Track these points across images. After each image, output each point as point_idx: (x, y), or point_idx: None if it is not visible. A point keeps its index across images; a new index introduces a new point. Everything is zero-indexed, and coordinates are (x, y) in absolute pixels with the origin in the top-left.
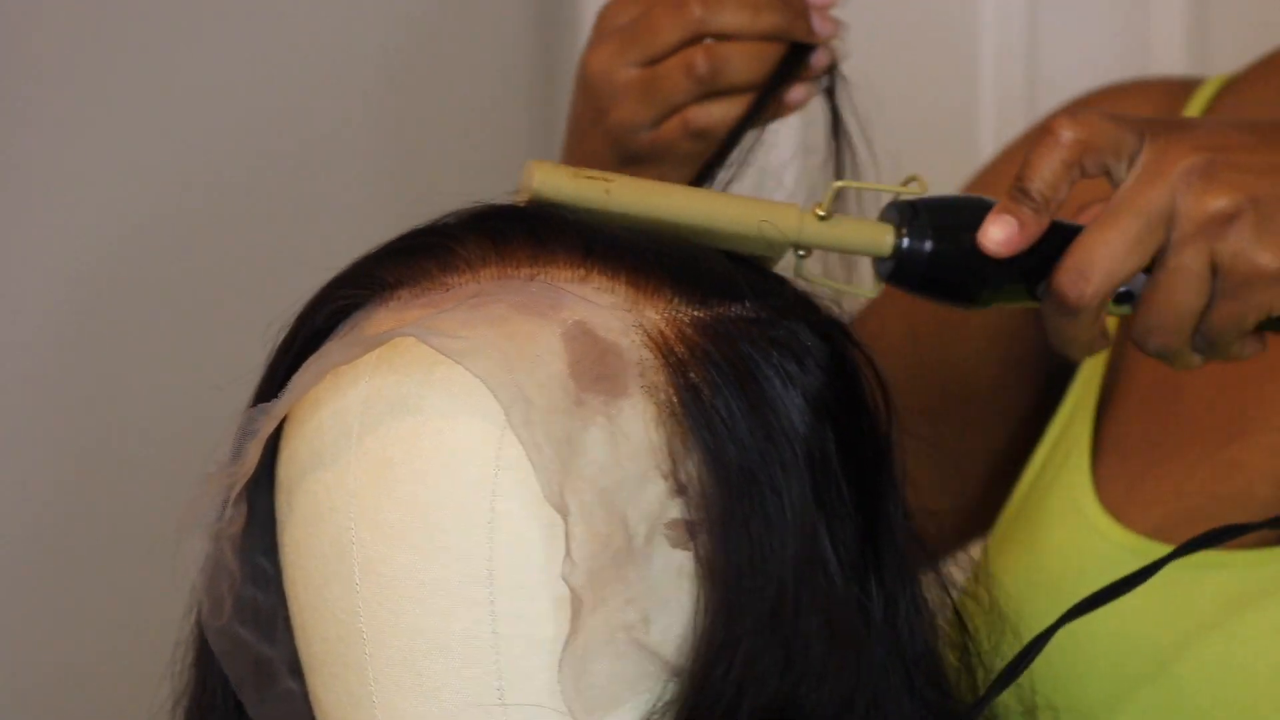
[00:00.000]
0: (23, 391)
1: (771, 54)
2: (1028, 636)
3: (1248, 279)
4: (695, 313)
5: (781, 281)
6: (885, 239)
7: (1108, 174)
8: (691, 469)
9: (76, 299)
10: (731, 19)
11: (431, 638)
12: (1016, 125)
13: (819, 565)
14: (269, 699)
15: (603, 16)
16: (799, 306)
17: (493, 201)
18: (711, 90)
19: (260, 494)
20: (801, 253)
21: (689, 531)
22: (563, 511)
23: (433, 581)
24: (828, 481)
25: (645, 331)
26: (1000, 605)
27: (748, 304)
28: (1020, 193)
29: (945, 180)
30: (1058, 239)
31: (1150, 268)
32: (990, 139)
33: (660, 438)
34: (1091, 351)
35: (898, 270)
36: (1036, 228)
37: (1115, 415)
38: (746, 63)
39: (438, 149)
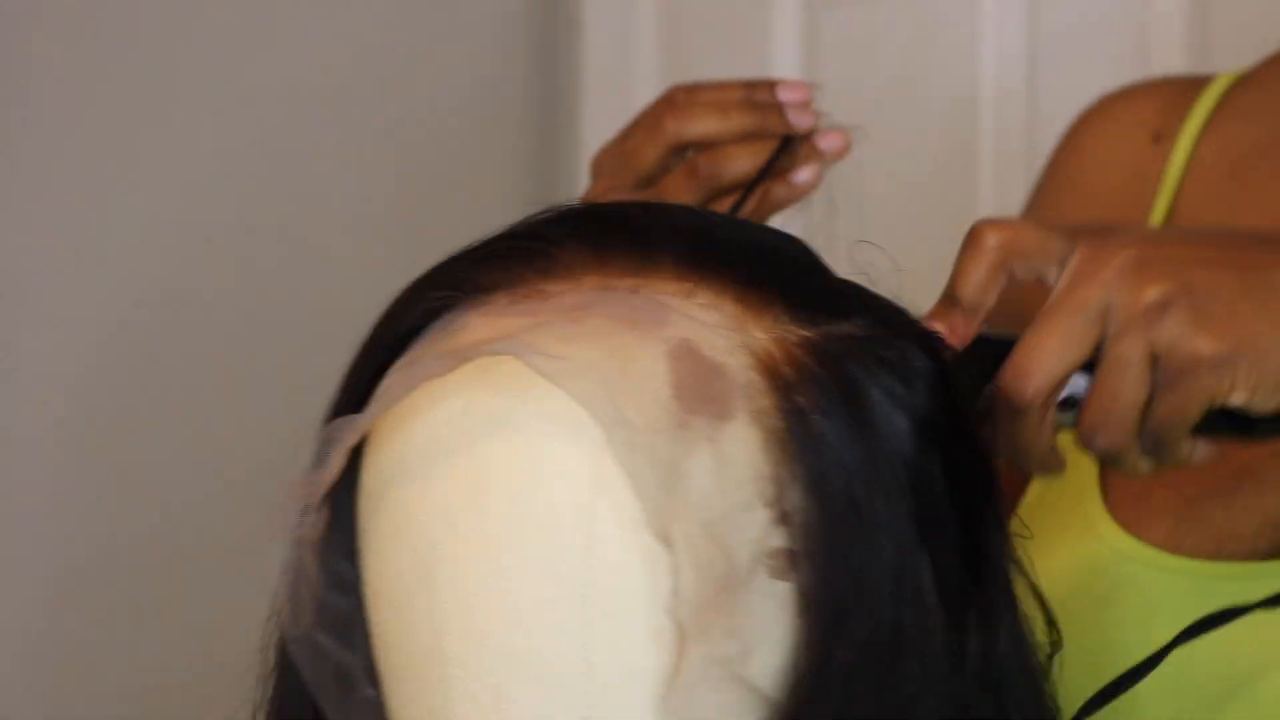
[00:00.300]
0: (79, 404)
1: (763, 149)
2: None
3: (1185, 366)
4: (804, 332)
5: (889, 299)
6: None
7: (1041, 279)
8: (795, 497)
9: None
10: (703, 127)
11: (520, 662)
12: (1016, 125)
13: (919, 599)
14: (348, 706)
15: (593, 164)
16: (908, 324)
17: (569, 204)
18: (717, 190)
19: (342, 497)
20: None
21: (791, 562)
22: (667, 541)
23: (524, 604)
24: (933, 508)
25: (752, 353)
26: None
27: (857, 322)
28: (949, 299)
29: (946, 180)
30: (1001, 351)
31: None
32: (990, 139)
33: (766, 464)
34: (1047, 469)
35: None
36: (967, 331)
37: None
38: (743, 160)
39: (438, 149)
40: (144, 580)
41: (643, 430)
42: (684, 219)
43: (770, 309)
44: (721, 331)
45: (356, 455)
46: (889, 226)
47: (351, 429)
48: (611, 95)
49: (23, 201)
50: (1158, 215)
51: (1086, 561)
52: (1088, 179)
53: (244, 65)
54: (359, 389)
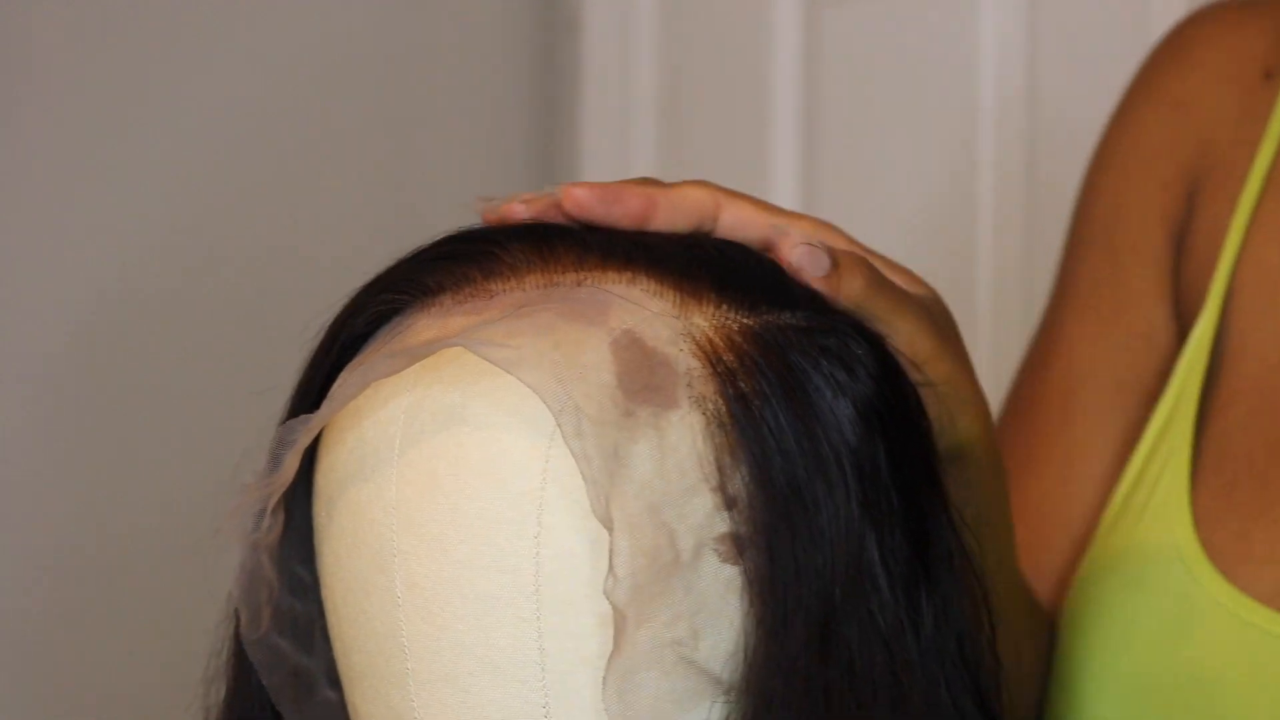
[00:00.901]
0: (44, 401)
1: None
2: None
3: None
4: (745, 320)
5: None
6: None
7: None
8: (740, 482)
9: (88, 304)
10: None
11: (476, 653)
12: (1016, 126)
13: (868, 578)
14: (308, 709)
15: None
16: (848, 314)
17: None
18: None
19: (297, 502)
20: None
21: (737, 545)
22: (608, 525)
23: (478, 596)
24: (878, 492)
25: (694, 340)
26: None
27: (798, 312)
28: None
29: (945, 180)
30: None
31: None
32: (989, 140)
33: (708, 450)
34: None
35: None
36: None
37: (1217, 426)
38: None
39: (438, 149)
40: (115, 578)
41: (591, 418)
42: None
43: (710, 297)
44: (664, 320)
45: (310, 459)
46: (888, 226)
47: (304, 430)
48: (611, 95)
49: (3, 195)
50: (1263, 160)
51: (1180, 607)
52: (1196, 104)
53: (241, 64)
54: (312, 393)
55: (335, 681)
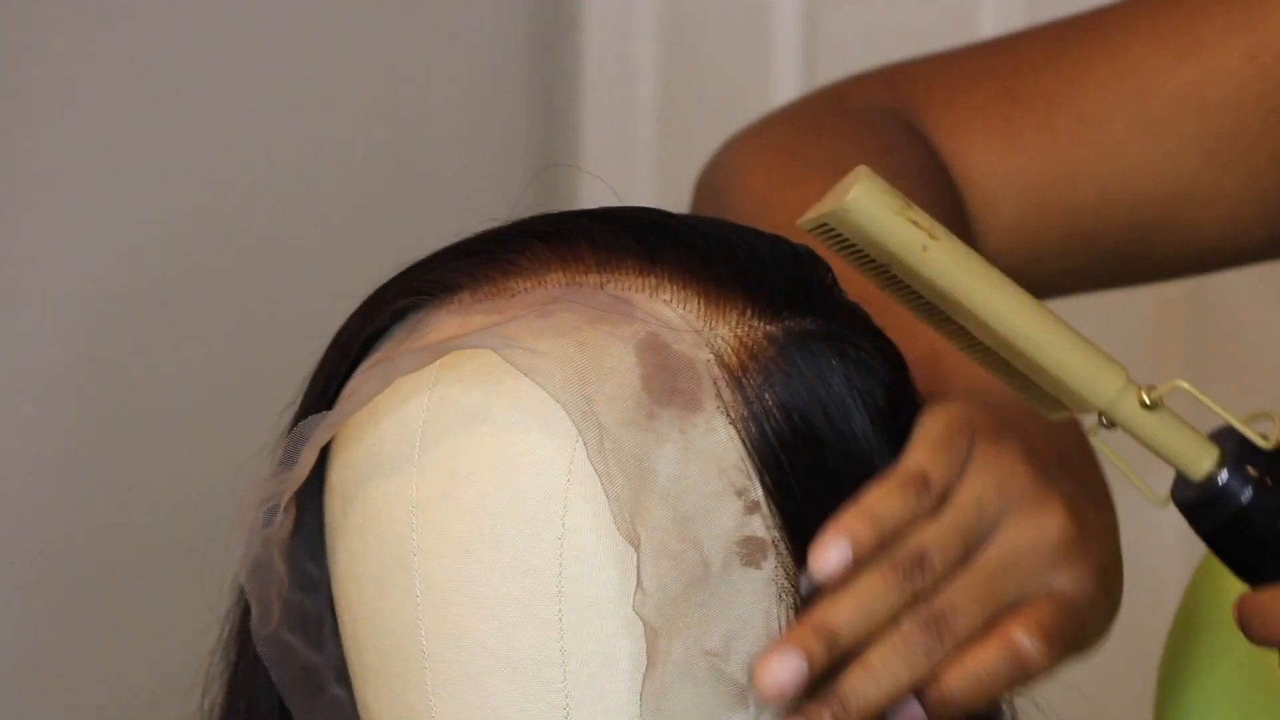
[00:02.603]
0: (47, 402)
1: None
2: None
3: None
4: (768, 326)
5: (845, 296)
6: (1202, 463)
7: None
8: (764, 487)
9: (90, 304)
10: None
11: (497, 654)
12: None
13: None
14: (317, 707)
15: None
16: (865, 320)
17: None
18: None
19: (307, 497)
20: (1105, 421)
21: (763, 551)
22: (634, 542)
23: (499, 596)
24: None
25: (718, 348)
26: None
27: (818, 317)
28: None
29: None
30: None
31: None
32: None
33: (733, 456)
34: None
35: (1197, 502)
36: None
37: None
38: None
39: (438, 149)
40: (117, 579)
41: (612, 426)
42: (647, 216)
43: (734, 303)
44: (687, 326)
45: (322, 455)
46: None
47: (323, 427)
48: (611, 95)
49: (5, 195)
50: None
51: None
52: None
53: (241, 65)
54: (327, 390)
55: (344, 679)
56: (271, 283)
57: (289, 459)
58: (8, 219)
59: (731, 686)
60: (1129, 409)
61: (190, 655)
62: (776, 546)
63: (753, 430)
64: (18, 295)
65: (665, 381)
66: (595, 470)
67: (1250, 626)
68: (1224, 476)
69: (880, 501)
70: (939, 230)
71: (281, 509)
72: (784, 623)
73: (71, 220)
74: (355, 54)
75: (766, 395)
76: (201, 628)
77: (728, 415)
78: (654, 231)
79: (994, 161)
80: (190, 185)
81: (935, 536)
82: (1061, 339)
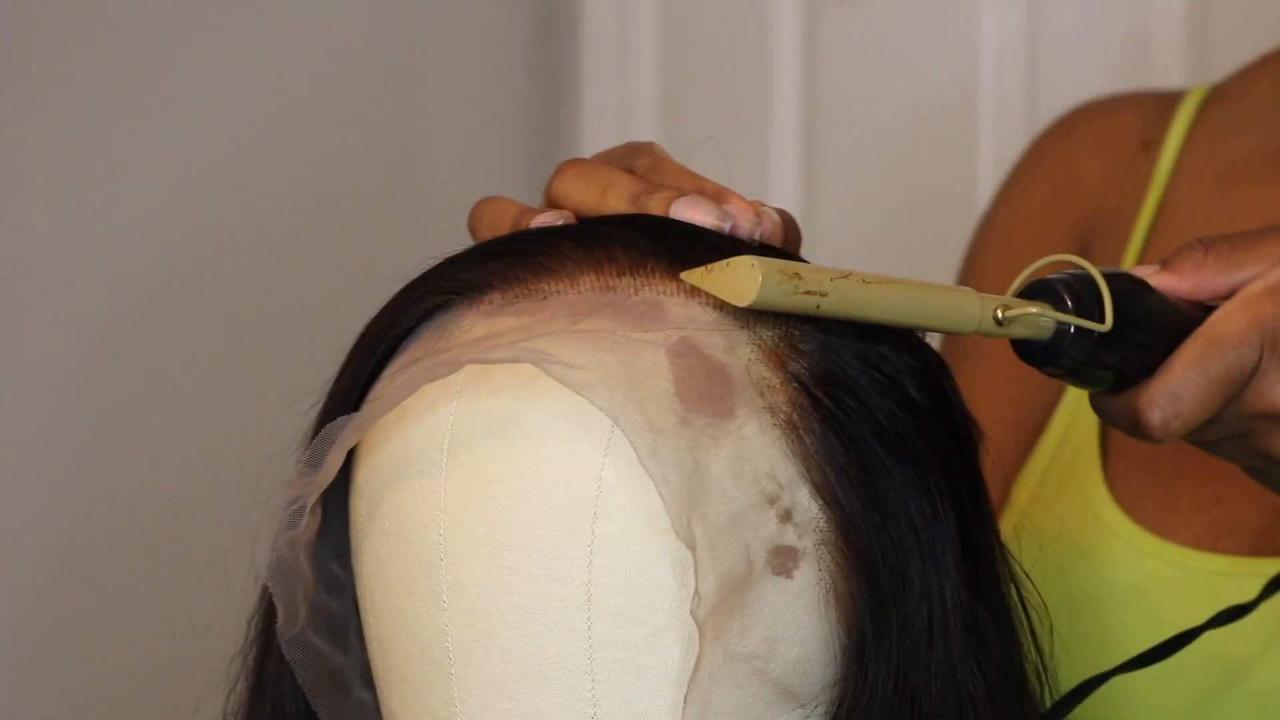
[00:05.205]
0: (50, 402)
1: None
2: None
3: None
4: (805, 326)
5: None
6: (1048, 325)
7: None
8: (802, 492)
9: (92, 304)
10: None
11: (524, 661)
12: (1015, 125)
13: (942, 583)
14: (344, 709)
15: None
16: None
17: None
18: None
19: (333, 499)
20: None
21: (806, 556)
22: (691, 545)
23: (528, 603)
24: (933, 498)
25: (761, 349)
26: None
27: None
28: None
29: (944, 181)
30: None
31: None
32: (989, 139)
33: (781, 460)
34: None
35: (1048, 349)
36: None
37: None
38: None
39: (439, 149)
40: (119, 579)
41: (655, 432)
42: (674, 223)
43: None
44: (720, 330)
45: (347, 457)
46: (887, 227)
47: (350, 429)
48: (611, 95)
49: (14, 196)
50: (1147, 212)
51: (1096, 553)
52: (1079, 173)
53: (242, 63)
54: (353, 390)
55: (370, 682)
56: (274, 282)
57: (315, 460)
58: (14, 220)
59: (774, 689)
60: (989, 327)
61: (200, 657)
62: (820, 552)
63: (802, 433)
64: (26, 296)
65: (699, 387)
66: (650, 475)
67: (1147, 427)
68: (1071, 329)
69: None
70: (827, 285)
71: (307, 510)
72: (834, 629)
73: (77, 221)
74: (357, 55)
75: (801, 398)
76: (213, 629)
77: (761, 420)
78: (684, 235)
79: None
80: (195, 185)
81: None
82: (929, 302)
